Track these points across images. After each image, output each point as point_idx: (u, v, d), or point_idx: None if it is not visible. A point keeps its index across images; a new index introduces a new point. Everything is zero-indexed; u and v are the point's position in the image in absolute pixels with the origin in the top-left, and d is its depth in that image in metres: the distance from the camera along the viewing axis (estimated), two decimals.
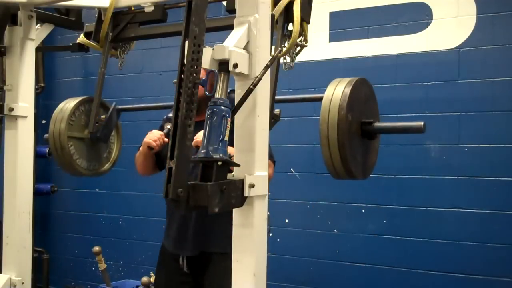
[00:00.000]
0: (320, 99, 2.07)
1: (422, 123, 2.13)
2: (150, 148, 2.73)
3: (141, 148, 2.81)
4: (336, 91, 2.00)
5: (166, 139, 2.71)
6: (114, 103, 2.73)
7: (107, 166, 2.83)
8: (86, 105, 2.69)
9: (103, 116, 2.64)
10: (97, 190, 5.09)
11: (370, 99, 2.19)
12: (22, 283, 2.41)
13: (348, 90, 1.99)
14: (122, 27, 2.55)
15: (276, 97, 2.09)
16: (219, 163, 1.45)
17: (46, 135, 2.65)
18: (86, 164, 2.70)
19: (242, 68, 1.56)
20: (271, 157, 2.65)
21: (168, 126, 2.73)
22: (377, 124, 2.14)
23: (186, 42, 1.42)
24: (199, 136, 1.92)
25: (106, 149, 2.83)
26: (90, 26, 2.63)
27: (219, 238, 2.60)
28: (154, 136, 2.72)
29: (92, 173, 2.77)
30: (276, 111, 2.08)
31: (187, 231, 2.71)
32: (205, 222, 2.67)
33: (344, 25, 4.04)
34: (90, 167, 2.73)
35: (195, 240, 2.70)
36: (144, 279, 4.26)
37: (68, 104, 2.64)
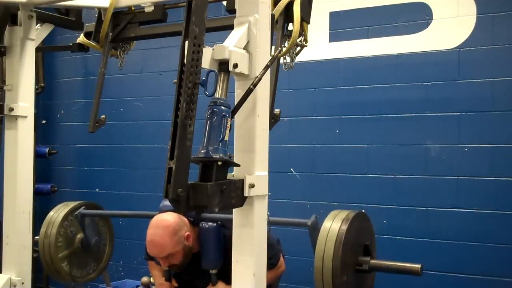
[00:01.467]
0: (304, 224, 2.15)
1: (419, 266, 2.14)
2: None
3: None
4: (333, 228, 1.98)
5: (174, 284, 2.77)
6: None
7: (95, 273, 3.10)
8: (72, 216, 2.94)
9: (103, 116, 2.63)
10: (97, 190, 5.08)
11: (367, 234, 2.16)
12: (22, 283, 2.42)
13: (344, 227, 1.97)
14: (122, 27, 2.55)
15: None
16: (219, 163, 1.45)
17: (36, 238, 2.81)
18: (79, 272, 2.99)
19: (242, 68, 1.56)
20: (270, 259, 2.32)
21: (165, 268, 2.72)
22: (373, 263, 2.11)
23: (186, 42, 1.42)
24: None
25: (96, 254, 3.11)
26: (90, 26, 2.63)
27: None
28: None
29: (85, 280, 3.04)
30: (276, 111, 2.08)
31: None
32: None
33: (344, 25, 4.03)
34: (82, 274, 3.01)
35: None
36: (144, 279, 4.25)
37: (57, 216, 2.94)
